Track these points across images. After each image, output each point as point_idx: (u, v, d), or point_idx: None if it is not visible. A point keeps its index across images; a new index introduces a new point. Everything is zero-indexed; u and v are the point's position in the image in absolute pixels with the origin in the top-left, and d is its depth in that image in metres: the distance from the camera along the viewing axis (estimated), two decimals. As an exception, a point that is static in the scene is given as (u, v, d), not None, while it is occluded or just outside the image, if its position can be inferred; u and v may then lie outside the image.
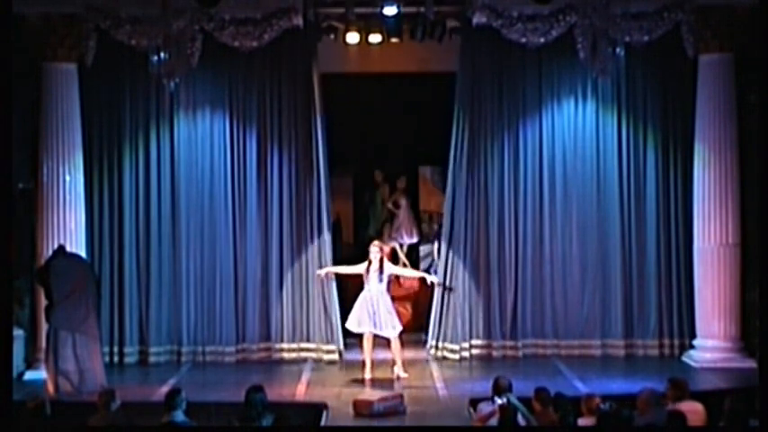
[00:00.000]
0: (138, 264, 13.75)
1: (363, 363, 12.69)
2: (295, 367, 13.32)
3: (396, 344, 12.62)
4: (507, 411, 8.57)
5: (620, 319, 13.80)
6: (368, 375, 12.56)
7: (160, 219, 13.77)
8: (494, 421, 8.80)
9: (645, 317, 13.82)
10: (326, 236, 13.75)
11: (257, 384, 9.10)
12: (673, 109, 13.80)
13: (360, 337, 12.91)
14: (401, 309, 15.14)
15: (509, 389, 8.93)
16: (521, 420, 8.59)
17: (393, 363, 12.69)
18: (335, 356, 13.70)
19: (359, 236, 17.07)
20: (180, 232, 13.77)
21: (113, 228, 13.71)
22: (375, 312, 12.54)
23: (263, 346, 13.87)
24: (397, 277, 14.97)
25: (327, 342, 13.69)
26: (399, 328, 12.69)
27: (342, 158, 16.86)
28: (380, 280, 12.67)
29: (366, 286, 12.70)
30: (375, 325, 12.55)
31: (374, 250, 12.82)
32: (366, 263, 12.82)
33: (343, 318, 13.19)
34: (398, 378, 12.49)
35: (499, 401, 8.72)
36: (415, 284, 16.16)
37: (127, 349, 13.66)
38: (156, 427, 8.73)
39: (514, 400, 8.68)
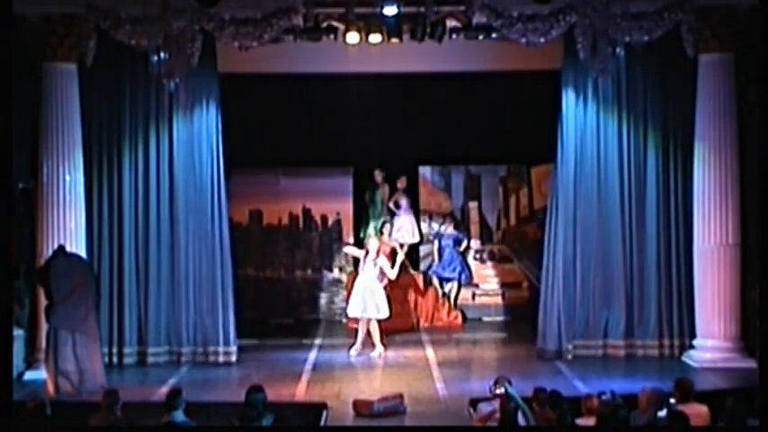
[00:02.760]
0: (138, 264, 13.72)
1: (354, 342, 14.05)
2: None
3: (375, 325, 13.90)
4: (508, 406, 8.57)
5: (620, 319, 13.78)
6: (354, 352, 13.92)
7: (159, 219, 13.73)
8: (494, 422, 8.81)
9: (645, 317, 13.79)
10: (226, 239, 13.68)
11: (257, 384, 9.12)
12: (673, 109, 13.77)
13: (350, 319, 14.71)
14: (400, 309, 15.18)
15: (508, 389, 8.95)
16: (521, 420, 8.59)
17: (373, 344, 13.96)
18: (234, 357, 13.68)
19: (359, 235, 17.05)
20: (179, 232, 13.73)
21: (113, 228, 13.68)
22: (370, 300, 13.91)
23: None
24: (398, 278, 14.96)
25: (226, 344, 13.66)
26: (387, 313, 14.02)
27: (342, 158, 16.91)
28: (374, 270, 14.02)
29: (361, 274, 14.07)
30: (369, 311, 13.92)
31: (373, 243, 14.20)
32: (363, 251, 14.15)
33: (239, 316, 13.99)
34: (379, 355, 13.83)
35: (498, 391, 8.73)
36: (415, 285, 16.17)
37: (126, 350, 13.62)
38: (156, 427, 8.74)
39: (512, 391, 8.68)
